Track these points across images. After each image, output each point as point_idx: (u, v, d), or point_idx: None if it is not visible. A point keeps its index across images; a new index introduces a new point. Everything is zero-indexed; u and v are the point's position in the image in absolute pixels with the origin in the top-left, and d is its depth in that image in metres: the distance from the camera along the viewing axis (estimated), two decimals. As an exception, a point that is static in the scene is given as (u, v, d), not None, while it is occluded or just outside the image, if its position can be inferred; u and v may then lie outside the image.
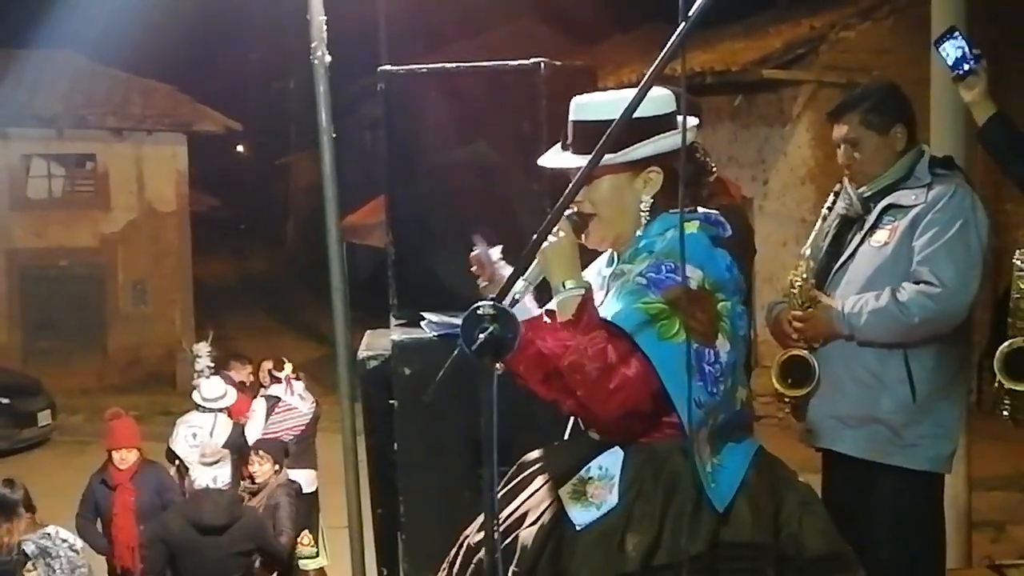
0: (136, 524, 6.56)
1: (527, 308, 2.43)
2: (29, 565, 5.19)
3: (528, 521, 2.29)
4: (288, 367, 8.03)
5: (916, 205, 3.34)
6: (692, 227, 2.26)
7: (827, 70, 11.68)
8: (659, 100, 2.29)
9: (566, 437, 2.51)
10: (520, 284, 2.21)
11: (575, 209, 2.32)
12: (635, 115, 2.01)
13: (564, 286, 2.25)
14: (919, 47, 5.48)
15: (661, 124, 2.30)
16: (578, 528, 2.23)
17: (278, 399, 7.64)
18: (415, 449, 3.32)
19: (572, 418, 2.47)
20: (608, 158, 2.21)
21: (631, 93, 2.00)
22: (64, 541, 5.35)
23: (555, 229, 2.25)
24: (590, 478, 2.27)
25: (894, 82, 3.64)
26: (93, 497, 6.74)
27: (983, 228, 3.33)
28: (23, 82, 17.05)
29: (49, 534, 5.34)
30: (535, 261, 2.23)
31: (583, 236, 2.36)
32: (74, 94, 17.70)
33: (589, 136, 2.25)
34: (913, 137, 3.45)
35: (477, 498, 2.84)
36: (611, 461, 2.27)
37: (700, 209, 2.37)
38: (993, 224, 3.46)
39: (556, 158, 2.41)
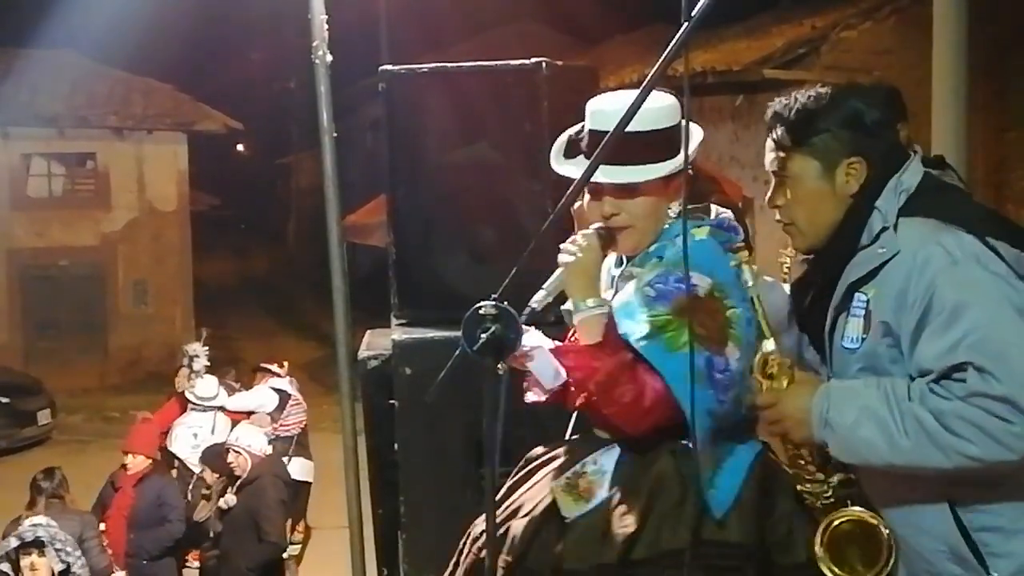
0: (127, 531, 6.55)
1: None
2: (36, 554, 5.20)
3: (522, 513, 2.32)
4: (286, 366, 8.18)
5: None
6: (702, 233, 2.26)
7: (828, 70, 11.65)
8: (675, 108, 2.27)
9: (568, 434, 2.51)
10: (540, 294, 2.21)
11: (604, 223, 2.30)
12: (662, 127, 1.99)
13: (585, 304, 2.24)
14: (921, 47, 5.49)
15: (680, 133, 2.26)
16: (567, 521, 2.25)
17: (288, 394, 7.75)
18: (416, 449, 3.32)
19: (574, 416, 2.48)
20: (651, 170, 2.21)
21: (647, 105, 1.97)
22: (51, 525, 5.42)
23: (579, 242, 2.25)
24: (584, 473, 2.29)
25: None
26: (103, 495, 6.79)
27: None
28: (24, 81, 17.02)
29: (40, 523, 5.37)
30: (558, 271, 2.24)
31: (612, 247, 2.34)
32: (75, 93, 17.68)
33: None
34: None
35: (478, 498, 2.84)
36: (607, 458, 2.29)
37: (717, 211, 2.35)
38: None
39: (570, 165, 2.36)
